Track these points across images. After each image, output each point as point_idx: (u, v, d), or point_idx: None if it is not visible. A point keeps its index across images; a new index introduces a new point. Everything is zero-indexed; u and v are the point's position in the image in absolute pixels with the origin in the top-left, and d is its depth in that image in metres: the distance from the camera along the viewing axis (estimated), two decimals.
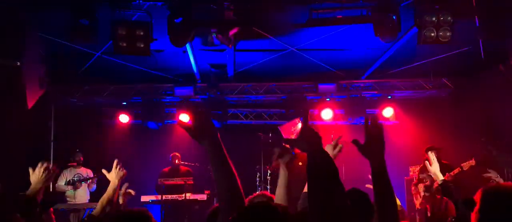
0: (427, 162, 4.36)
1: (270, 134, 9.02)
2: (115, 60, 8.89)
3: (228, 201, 2.12)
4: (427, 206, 7.76)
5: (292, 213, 2.24)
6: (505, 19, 6.65)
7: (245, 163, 8.64)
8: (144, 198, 8.98)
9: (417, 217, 8.48)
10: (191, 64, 9.36)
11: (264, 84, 10.61)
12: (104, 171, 4.11)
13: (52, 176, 3.63)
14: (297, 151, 2.84)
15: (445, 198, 7.14)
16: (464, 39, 7.64)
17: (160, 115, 10.51)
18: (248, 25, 7.81)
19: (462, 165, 7.96)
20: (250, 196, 3.45)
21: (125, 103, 10.57)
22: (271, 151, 2.81)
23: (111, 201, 3.95)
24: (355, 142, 2.22)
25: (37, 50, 8.36)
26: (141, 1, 6.99)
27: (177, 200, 8.94)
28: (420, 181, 8.58)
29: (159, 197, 8.90)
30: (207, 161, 2.27)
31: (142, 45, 7.05)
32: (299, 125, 2.12)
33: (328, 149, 3.12)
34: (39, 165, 3.57)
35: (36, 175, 3.56)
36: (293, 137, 2.79)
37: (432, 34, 6.74)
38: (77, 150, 9.41)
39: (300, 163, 7.19)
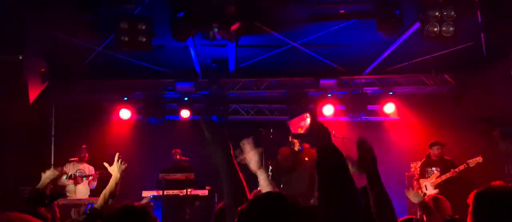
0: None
1: (271, 130, 9.01)
2: (116, 55, 8.88)
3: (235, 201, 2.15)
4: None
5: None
6: (508, 14, 6.62)
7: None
8: (145, 194, 8.96)
9: (418, 213, 8.48)
10: (192, 60, 9.35)
11: (266, 80, 10.60)
12: (105, 164, 4.14)
13: (59, 176, 3.94)
14: (306, 145, 2.87)
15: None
16: (466, 34, 7.61)
17: (161, 110, 10.50)
18: (250, 20, 7.80)
19: (468, 161, 7.95)
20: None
21: (126, 98, 10.55)
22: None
23: (113, 194, 3.98)
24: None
25: (38, 45, 8.34)
26: None
27: (178, 195, 8.94)
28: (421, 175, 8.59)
29: (161, 192, 8.89)
30: (208, 157, 2.34)
31: (144, 40, 7.04)
32: (308, 120, 2.15)
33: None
34: (51, 169, 3.94)
35: (47, 174, 3.89)
36: (302, 131, 2.81)
37: (435, 30, 6.71)
38: (84, 146, 9.40)
39: (306, 158, 7.20)
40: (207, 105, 10.39)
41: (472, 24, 6.92)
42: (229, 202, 2.23)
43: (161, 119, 10.51)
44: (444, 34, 6.69)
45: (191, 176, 9.10)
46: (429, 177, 8.45)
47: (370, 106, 10.51)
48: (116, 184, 4.04)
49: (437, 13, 6.66)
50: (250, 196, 2.26)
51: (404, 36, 7.95)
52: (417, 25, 7.14)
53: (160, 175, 9.22)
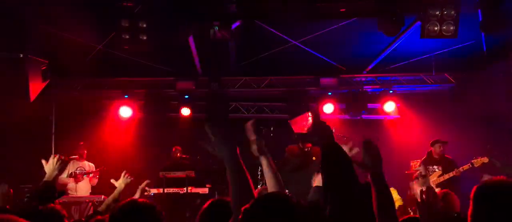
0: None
1: (272, 128, 9.02)
2: (117, 53, 8.87)
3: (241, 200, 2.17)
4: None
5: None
6: (508, 13, 6.64)
7: (246, 156, 8.63)
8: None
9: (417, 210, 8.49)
10: (192, 57, 9.34)
11: (266, 78, 10.60)
12: (112, 181, 4.79)
13: (65, 164, 3.79)
14: (308, 145, 2.88)
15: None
16: (467, 33, 7.62)
17: (162, 108, 10.49)
18: (250, 18, 7.81)
19: (472, 161, 7.92)
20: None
21: (126, 96, 10.55)
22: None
23: (116, 200, 4.40)
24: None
25: (39, 43, 8.35)
26: None
27: (178, 193, 8.94)
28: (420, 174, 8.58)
29: (161, 190, 8.90)
30: (208, 155, 2.38)
31: (144, 38, 7.04)
32: (310, 119, 2.16)
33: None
34: (52, 157, 3.69)
35: (50, 165, 3.68)
36: (304, 131, 2.83)
37: (436, 28, 6.72)
38: (81, 143, 9.39)
39: (314, 158, 7.20)
40: (207, 104, 10.39)
41: (473, 23, 6.94)
42: (236, 200, 2.25)
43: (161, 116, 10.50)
44: (444, 33, 6.70)
45: (192, 174, 9.09)
46: (430, 175, 8.45)
47: (370, 105, 10.51)
48: (119, 194, 4.58)
49: (437, 12, 6.67)
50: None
51: (405, 35, 7.96)
52: (418, 23, 7.15)
53: (161, 173, 9.21)
